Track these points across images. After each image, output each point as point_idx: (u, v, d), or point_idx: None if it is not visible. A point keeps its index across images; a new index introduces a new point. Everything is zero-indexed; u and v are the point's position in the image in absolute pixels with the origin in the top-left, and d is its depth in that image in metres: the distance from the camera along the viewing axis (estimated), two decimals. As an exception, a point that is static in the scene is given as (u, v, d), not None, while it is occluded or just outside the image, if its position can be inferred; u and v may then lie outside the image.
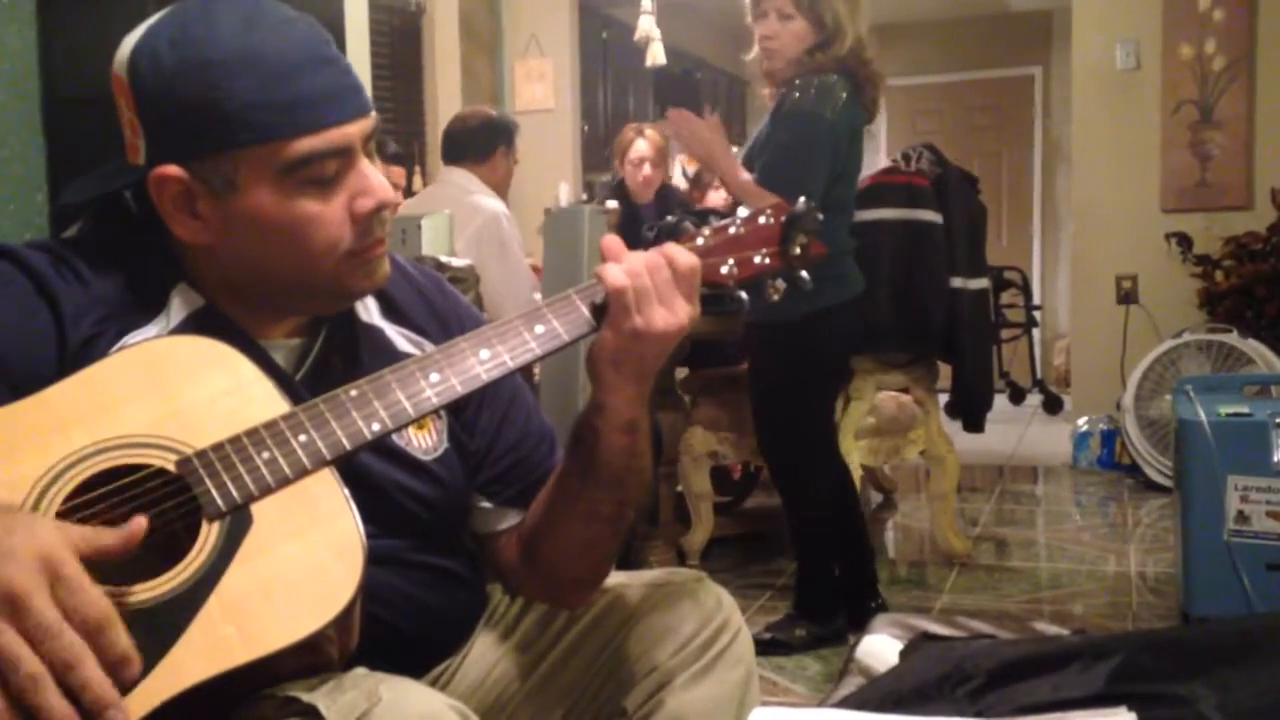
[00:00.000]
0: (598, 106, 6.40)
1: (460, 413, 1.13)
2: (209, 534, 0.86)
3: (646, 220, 4.15)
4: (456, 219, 3.19)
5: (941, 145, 3.49)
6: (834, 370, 2.90)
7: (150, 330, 0.99)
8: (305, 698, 0.84)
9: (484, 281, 3.40)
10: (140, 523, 0.81)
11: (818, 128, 2.57)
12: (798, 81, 2.60)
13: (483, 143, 3.52)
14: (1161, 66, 4.82)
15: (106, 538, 0.79)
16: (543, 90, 5.82)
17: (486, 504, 1.16)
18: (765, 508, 3.97)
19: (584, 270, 2.71)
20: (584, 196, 4.29)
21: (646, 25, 4.82)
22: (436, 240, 2.72)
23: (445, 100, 5.33)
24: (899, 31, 7.71)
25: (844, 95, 2.59)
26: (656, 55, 4.83)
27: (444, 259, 2.08)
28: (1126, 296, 4.91)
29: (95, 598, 0.75)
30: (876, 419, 3.37)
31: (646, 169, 4.28)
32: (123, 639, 0.75)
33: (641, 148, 4.29)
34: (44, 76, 2.27)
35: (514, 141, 3.58)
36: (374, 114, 1.01)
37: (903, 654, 1.27)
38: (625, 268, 1.00)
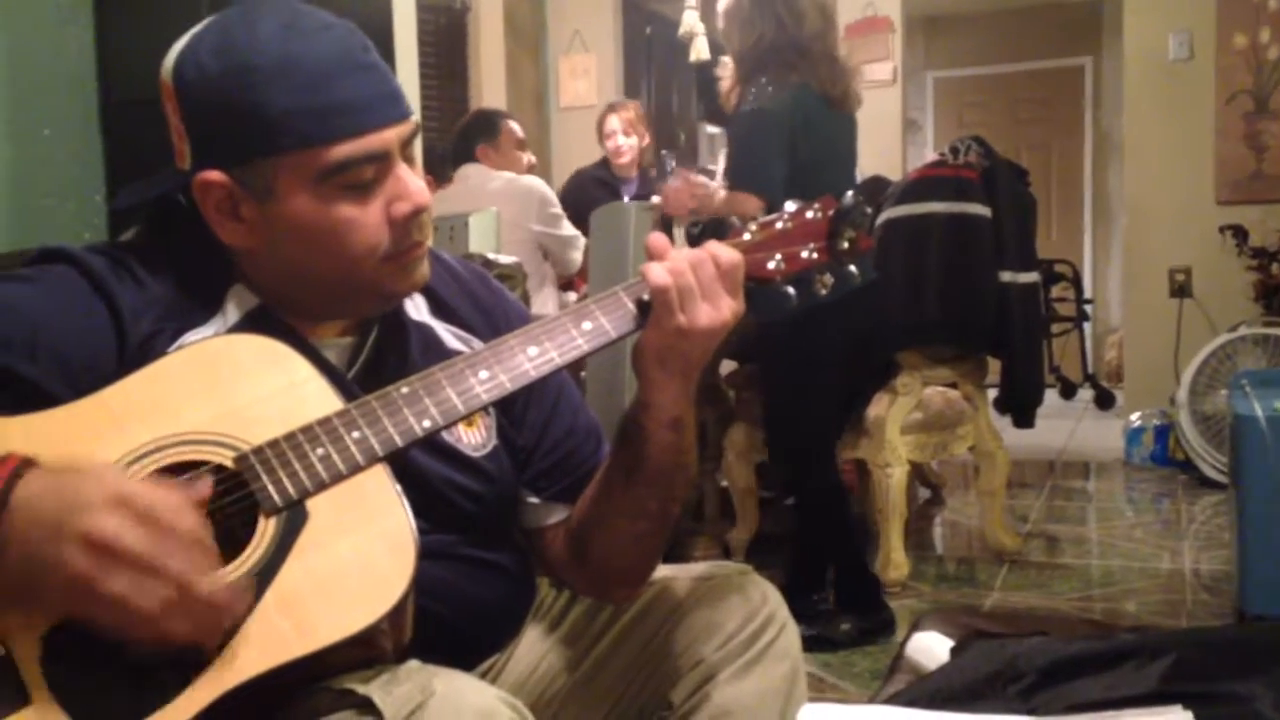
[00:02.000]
0: (641, 102, 6.39)
1: (508, 409, 1.14)
2: (266, 529, 0.88)
3: (625, 195, 4.25)
4: (498, 201, 3.25)
5: (989, 137, 3.44)
6: (840, 365, 2.86)
7: (207, 329, 1.01)
8: (360, 690, 0.86)
9: (553, 246, 3.49)
10: (206, 484, 0.87)
11: (763, 121, 2.64)
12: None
13: (483, 127, 3.62)
14: (1215, 57, 4.73)
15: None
16: (586, 86, 5.83)
17: (534, 499, 1.17)
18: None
19: (630, 266, 2.71)
20: (653, 173, 4.42)
21: (690, 21, 4.80)
22: (483, 238, 2.74)
23: (490, 98, 5.35)
24: (946, 23, 7.64)
25: (777, 89, 2.65)
26: (700, 51, 4.81)
27: (491, 256, 2.09)
28: (1180, 290, 4.83)
29: (177, 504, 0.81)
30: (924, 414, 3.35)
31: (618, 140, 4.41)
32: (211, 546, 0.83)
33: (613, 123, 4.43)
34: (102, 78, 2.31)
35: (508, 124, 3.71)
36: (414, 119, 1.02)
37: (954, 651, 1.27)
38: (668, 265, 1.00)
